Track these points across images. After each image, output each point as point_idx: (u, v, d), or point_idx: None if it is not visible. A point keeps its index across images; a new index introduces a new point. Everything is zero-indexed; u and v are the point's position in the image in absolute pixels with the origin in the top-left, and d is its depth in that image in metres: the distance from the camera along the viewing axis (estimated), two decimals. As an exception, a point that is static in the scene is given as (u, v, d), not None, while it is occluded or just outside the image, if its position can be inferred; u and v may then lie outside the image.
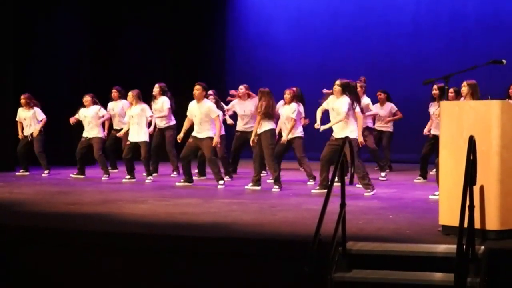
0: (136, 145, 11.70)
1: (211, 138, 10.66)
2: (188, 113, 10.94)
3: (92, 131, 12.31)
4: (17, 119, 12.94)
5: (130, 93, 11.84)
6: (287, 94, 10.75)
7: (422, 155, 10.96)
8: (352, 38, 16.07)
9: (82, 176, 12.21)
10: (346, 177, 8.27)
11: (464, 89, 9.27)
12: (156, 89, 12.35)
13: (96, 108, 12.38)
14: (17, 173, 12.77)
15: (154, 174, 12.12)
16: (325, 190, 9.34)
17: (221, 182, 10.65)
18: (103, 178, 11.93)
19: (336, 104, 9.62)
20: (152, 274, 6.61)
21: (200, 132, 10.76)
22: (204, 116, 10.74)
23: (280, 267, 6.16)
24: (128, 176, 11.65)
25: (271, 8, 17.15)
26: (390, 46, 15.66)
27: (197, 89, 10.83)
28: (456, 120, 6.29)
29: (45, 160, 12.74)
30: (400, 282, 5.61)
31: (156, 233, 6.88)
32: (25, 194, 9.95)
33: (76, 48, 15.02)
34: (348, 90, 9.65)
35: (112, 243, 6.82)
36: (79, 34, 15.16)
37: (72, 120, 12.48)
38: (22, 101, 12.81)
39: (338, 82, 9.68)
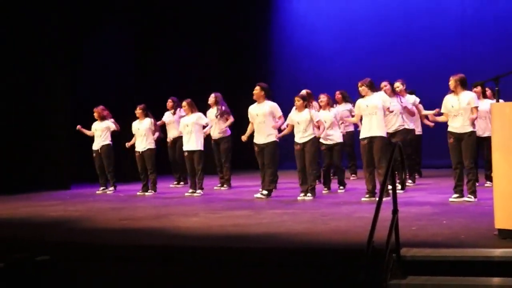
0: (190, 154, 11.74)
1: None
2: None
3: (145, 144, 12.37)
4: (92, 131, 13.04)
5: (184, 103, 11.91)
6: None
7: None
8: (397, 44, 16.01)
9: (153, 192, 12.22)
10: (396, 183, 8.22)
11: (451, 83, 9.29)
12: (212, 98, 12.42)
13: (150, 120, 12.46)
14: (97, 192, 12.84)
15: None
16: (375, 198, 9.37)
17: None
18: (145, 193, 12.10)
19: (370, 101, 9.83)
20: (208, 286, 6.64)
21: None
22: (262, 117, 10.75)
23: (334, 276, 6.13)
24: (191, 190, 11.69)
25: (315, 18, 17.18)
26: (436, 50, 15.57)
27: (256, 90, 10.83)
28: (508, 121, 6.19)
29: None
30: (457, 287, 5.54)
31: (210, 246, 6.91)
32: (79, 211, 10.09)
33: (122, 60, 15.32)
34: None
35: (166, 257, 6.87)
36: (125, 47, 15.47)
37: (128, 145, 12.55)
38: (95, 114, 12.91)
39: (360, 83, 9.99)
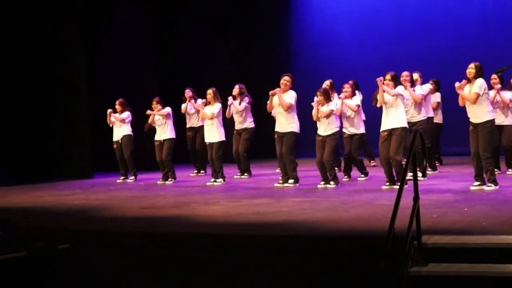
0: (211, 145, 11.76)
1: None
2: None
3: (164, 133, 12.42)
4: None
5: (209, 91, 11.88)
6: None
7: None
8: (418, 33, 15.89)
9: (174, 181, 12.28)
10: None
11: (471, 70, 9.16)
12: (236, 90, 12.41)
13: (168, 109, 12.48)
14: (117, 181, 12.91)
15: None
16: (395, 186, 9.34)
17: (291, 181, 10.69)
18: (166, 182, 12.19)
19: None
20: (228, 273, 6.67)
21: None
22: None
23: (356, 263, 6.13)
24: (213, 179, 11.71)
25: (335, 5, 17.09)
26: (457, 38, 15.44)
27: (285, 79, 10.80)
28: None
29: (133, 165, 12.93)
30: (479, 275, 5.52)
31: (230, 233, 6.93)
32: (100, 200, 10.16)
33: (141, 49, 15.40)
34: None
35: (187, 244, 6.90)
36: (144, 34, 15.52)
37: (147, 126, 12.61)
38: (117, 107, 12.94)
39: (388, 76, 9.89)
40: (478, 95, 9.07)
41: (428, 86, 11.85)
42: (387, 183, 9.79)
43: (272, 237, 6.66)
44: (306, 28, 17.52)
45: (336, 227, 6.89)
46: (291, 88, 10.81)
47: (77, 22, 13.99)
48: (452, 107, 12.04)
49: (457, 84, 9.25)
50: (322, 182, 10.37)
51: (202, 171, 13.41)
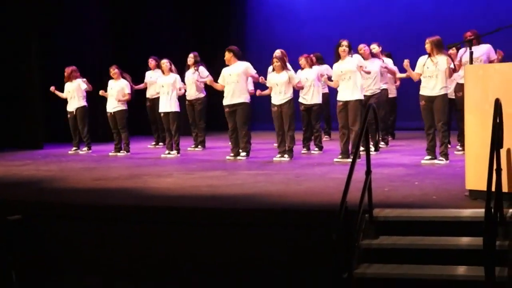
0: (166, 116, 11.70)
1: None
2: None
3: (116, 104, 12.27)
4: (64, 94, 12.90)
5: (163, 61, 11.81)
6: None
7: None
8: (373, 7, 15.94)
9: (127, 153, 12.16)
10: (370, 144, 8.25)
11: (427, 46, 9.25)
12: (191, 59, 12.29)
13: (125, 82, 12.31)
14: (69, 152, 12.75)
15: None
16: (348, 160, 9.43)
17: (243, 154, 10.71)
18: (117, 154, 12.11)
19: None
20: (179, 246, 6.67)
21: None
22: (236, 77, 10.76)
23: (308, 236, 6.18)
24: (167, 151, 11.67)
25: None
26: (412, 13, 15.53)
27: (226, 55, 10.80)
28: (481, 83, 6.23)
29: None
30: (428, 247, 5.62)
31: (182, 206, 6.91)
32: (52, 171, 10.04)
33: (99, 20, 15.20)
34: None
35: (139, 217, 6.87)
36: (99, 11, 15.29)
37: (102, 93, 12.40)
38: (66, 74, 12.74)
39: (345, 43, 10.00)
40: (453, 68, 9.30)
41: (390, 61, 11.91)
42: (340, 156, 9.86)
43: (224, 210, 6.67)
44: (262, 2, 17.45)
45: (289, 200, 6.92)
46: (240, 60, 10.83)
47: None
48: (404, 82, 12.20)
49: (406, 63, 9.42)
50: (279, 155, 10.40)
51: (160, 143, 13.30)
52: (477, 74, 6.34)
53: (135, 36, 16.34)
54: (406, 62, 9.51)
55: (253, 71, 10.84)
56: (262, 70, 11.44)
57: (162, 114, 11.75)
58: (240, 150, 10.75)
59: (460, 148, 10.13)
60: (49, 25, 14.50)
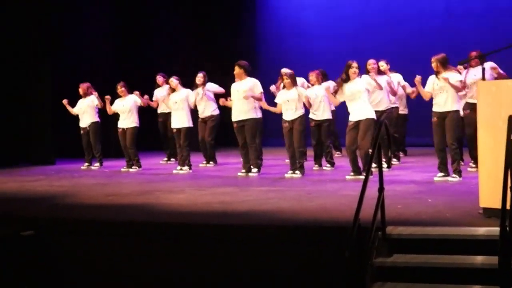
0: (178, 131, 11.71)
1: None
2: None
3: (127, 121, 12.33)
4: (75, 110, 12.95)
5: (171, 80, 11.85)
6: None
7: None
8: (384, 23, 15.96)
9: (139, 169, 12.19)
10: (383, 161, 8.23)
11: (434, 64, 9.25)
12: (200, 78, 12.29)
13: (134, 97, 12.37)
14: (82, 167, 12.80)
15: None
16: (360, 176, 9.40)
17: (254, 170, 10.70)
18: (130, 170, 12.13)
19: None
20: (191, 262, 6.66)
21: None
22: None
23: (320, 253, 6.16)
24: (179, 167, 11.68)
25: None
26: (422, 29, 15.53)
27: (235, 69, 10.79)
28: (494, 100, 6.20)
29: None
30: (442, 266, 5.58)
31: (195, 222, 6.91)
32: (65, 187, 10.06)
33: (103, 38, 15.29)
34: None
35: (151, 233, 6.87)
36: (108, 21, 15.46)
37: (109, 111, 12.47)
38: (80, 90, 12.80)
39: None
40: (462, 82, 9.26)
41: (398, 77, 11.88)
42: (352, 173, 9.83)
43: (236, 227, 6.65)
44: (272, 17, 17.51)
45: (301, 217, 6.90)
46: (250, 75, 10.86)
47: (41, 7, 13.79)
48: (415, 98, 12.16)
49: (417, 79, 9.42)
50: (290, 172, 10.39)
51: (172, 159, 13.31)
52: (490, 90, 6.32)
53: (143, 53, 16.35)
54: (417, 78, 9.51)
55: (258, 90, 10.71)
56: (271, 85, 11.50)
57: (174, 130, 11.78)
58: (251, 166, 10.75)
59: (473, 165, 10.08)
60: (60, 41, 14.55)
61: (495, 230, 5.19)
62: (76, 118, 12.95)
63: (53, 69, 13.96)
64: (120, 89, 12.35)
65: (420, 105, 11.90)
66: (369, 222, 5.63)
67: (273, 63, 15.87)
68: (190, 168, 11.59)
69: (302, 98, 10.40)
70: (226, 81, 12.26)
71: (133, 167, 12.16)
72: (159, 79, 13.24)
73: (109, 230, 7.05)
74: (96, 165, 12.70)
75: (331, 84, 11.51)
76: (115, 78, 13.31)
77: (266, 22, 17.56)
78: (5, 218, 7.56)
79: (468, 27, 15.04)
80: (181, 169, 11.57)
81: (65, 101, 12.85)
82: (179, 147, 11.70)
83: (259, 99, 10.75)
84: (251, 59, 12.68)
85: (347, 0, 16.54)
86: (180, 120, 11.69)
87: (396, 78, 11.69)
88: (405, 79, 12.08)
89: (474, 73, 9.87)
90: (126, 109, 12.28)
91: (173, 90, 11.89)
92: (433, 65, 9.29)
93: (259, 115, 10.82)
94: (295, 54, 16.27)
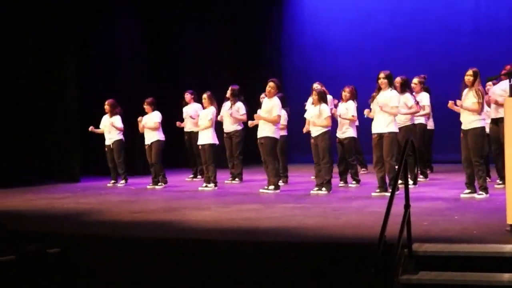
0: (203, 147, 11.76)
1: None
2: None
3: (152, 136, 12.36)
4: (101, 126, 13.10)
5: (204, 95, 11.93)
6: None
7: None
8: (410, 38, 15.93)
9: (165, 184, 12.27)
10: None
11: (470, 78, 9.17)
12: (229, 91, 12.35)
13: (157, 114, 12.46)
14: (108, 184, 12.92)
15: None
16: (386, 193, 9.37)
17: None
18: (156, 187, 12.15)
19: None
20: (219, 279, 6.66)
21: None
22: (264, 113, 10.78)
23: (346, 270, 6.13)
24: (204, 184, 11.73)
25: (327, 11, 17.11)
26: (449, 45, 15.50)
27: (269, 85, 10.82)
28: (521, 117, 6.17)
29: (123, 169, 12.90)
30: (469, 283, 5.52)
31: (220, 239, 6.92)
32: (91, 204, 10.12)
33: (133, 52, 15.40)
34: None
35: (177, 250, 6.89)
36: (136, 36, 15.53)
37: (141, 130, 12.53)
38: (106, 107, 12.95)
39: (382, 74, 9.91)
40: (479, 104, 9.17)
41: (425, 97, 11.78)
42: (378, 190, 9.79)
43: (262, 244, 6.65)
44: (298, 31, 17.53)
45: (326, 234, 6.89)
46: (279, 91, 10.87)
47: (68, 24, 13.93)
48: (443, 113, 12.08)
49: (450, 104, 9.37)
50: (316, 188, 10.37)
51: (198, 176, 13.34)
52: (517, 107, 6.28)
53: (170, 66, 16.46)
54: (450, 104, 9.43)
55: (273, 113, 10.66)
56: (297, 100, 11.51)
57: (200, 147, 11.83)
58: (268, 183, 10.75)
59: (500, 182, 9.99)
60: (86, 59, 14.68)
61: (522, 247, 5.14)
62: (101, 136, 13.05)
63: (79, 86, 14.06)
64: (146, 106, 12.43)
65: (446, 120, 11.85)
66: (395, 239, 5.60)
67: (297, 77, 15.94)
68: (215, 185, 11.62)
69: (321, 116, 10.37)
70: (253, 95, 12.30)
71: (159, 183, 12.20)
72: (187, 96, 13.30)
73: (136, 247, 7.07)
74: (122, 183, 12.77)
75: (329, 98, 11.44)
76: (142, 93, 13.41)
77: (292, 36, 17.56)
78: (31, 235, 7.61)
79: (493, 45, 14.94)
80: (206, 186, 11.60)
81: (91, 128, 12.97)
82: (205, 164, 11.74)
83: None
84: (277, 73, 12.74)
85: (372, 15, 16.51)
86: (204, 137, 11.73)
87: (422, 97, 11.58)
88: (432, 93, 11.97)
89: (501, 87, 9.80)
90: (150, 125, 12.34)
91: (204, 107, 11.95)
92: (469, 78, 9.19)
93: (275, 134, 10.77)
94: (321, 69, 16.24)
